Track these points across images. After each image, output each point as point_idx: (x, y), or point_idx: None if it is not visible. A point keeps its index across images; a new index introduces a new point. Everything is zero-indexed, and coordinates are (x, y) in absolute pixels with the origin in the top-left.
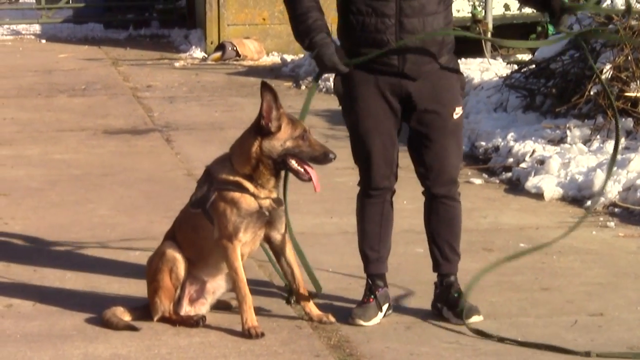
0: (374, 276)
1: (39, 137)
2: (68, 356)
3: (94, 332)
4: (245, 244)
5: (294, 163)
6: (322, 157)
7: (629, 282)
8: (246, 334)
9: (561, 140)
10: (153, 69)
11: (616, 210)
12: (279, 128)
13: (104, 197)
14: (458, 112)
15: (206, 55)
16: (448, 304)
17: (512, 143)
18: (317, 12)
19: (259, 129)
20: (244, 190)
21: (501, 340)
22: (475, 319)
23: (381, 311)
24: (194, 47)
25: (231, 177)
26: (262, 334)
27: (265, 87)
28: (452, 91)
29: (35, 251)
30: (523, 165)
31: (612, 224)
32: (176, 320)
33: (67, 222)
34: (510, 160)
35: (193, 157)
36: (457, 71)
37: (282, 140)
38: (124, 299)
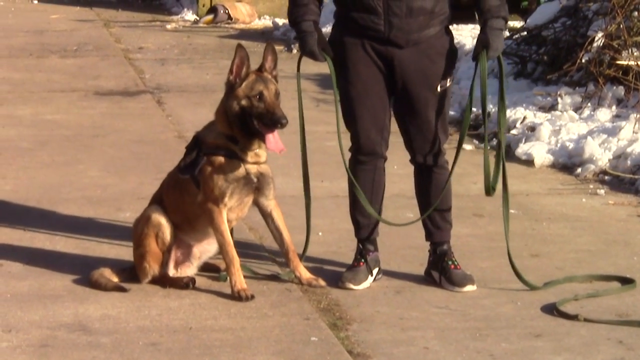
0: (365, 240)
1: (30, 98)
2: (58, 316)
3: (84, 293)
4: (232, 209)
5: (256, 124)
6: (270, 121)
7: (619, 249)
8: (236, 296)
9: (552, 108)
10: (145, 31)
11: (606, 178)
12: (240, 85)
13: (94, 158)
14: (443, 85)
15: (198, 18)
16: (442, 272)
17: None
18: None
19: (227, 86)
20: (232, 154)
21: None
22: (469, 288)
23: (371, 275)
24: (186, 9)
25: (219, 141)
26: (252, 297)
27: (239, 47)
28: (438, 64)
29: (26, 211)
30: (514, 131)
31: (602, 191)
32: (166, 281)
33: (57, 183)
34: None
35: (184, 120)
36: (449, 44)
37: (239, 97)
38: (114, 261)
